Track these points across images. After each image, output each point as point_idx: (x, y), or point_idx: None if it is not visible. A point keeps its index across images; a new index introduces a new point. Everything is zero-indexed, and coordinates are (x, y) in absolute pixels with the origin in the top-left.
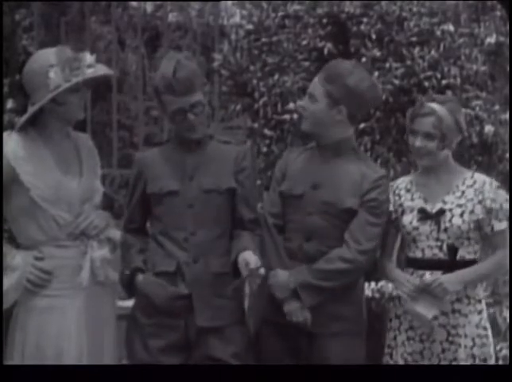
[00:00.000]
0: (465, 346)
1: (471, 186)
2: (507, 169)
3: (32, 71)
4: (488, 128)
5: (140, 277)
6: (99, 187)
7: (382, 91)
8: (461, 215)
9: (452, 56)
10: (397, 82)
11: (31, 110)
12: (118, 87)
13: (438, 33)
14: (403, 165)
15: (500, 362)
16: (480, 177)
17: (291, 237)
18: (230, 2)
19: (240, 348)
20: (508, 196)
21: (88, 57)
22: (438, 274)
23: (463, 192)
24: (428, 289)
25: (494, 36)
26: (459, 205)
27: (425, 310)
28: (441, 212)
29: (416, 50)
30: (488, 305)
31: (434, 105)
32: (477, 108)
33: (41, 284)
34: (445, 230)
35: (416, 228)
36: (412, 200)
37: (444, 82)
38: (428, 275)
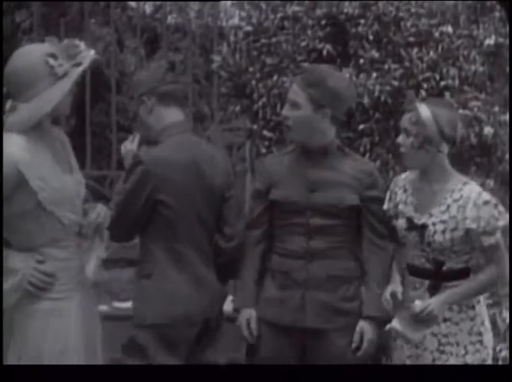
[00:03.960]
0: (457, 355)
1: (457, 201)
2: (507, 170)
3: (29, 64)
4: (487, 129)
5: None
6: (83, 179)
7: (381, 92)
8: (443, 232)
9: (451, 57)
10: (395, 83)
11: (50, 103)
12: (117, 89)
13: (436, 34)
14: (402, 166)
15: (500, 363)
16: (467, 190)
17: (292, 239)
18: (229, 4)
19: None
20: (500, 209)
21: (79, 42)
22: (426, 289)
23: (448, 206)
24: (418, 317)
25: (493, 37)
26: (443, 221)
27: (413, 334)
28: (425, 225)
29: (415, 51)
30: (488, 306)
31: (419, 103)
32: (476, 109)
33: (44, 287)
34: (429, 244)
35: (404, 236)
36: (405, 204)
37: (442, 83)
38: (417, 302)
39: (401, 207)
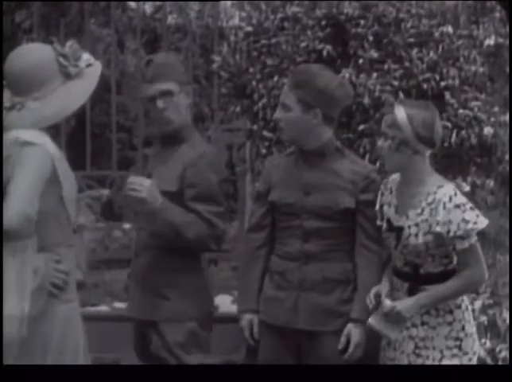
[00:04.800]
0: (433, 359)
1: (430, 204)
2: (507, 170)
3: (41, 62)
4: (487, 130)
5: None
6: None
7: (381, 92)
8: (416, 235)
9: (451, 57)
10: (395, 83)
11: (76, 102)
12: (117, 89)
13: (437, 34)
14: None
15: (500, 363)
16: (440, 194)
17: (288, 242)
18: (229, 4)
19: (171, 344)
20: (476, 213)
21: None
22: (402, 296)
23: (422, 209)
24: (388, 317)
25: (493, 37)
26: (416, 224)
27: (388, 331)
28: (401, 228)
29: (415, 51)
30: (488, 306)
31: (397, 105)
32: (476, 109)
33: (64, 288)
34: (405, 246)
35: (387, 237)
36: (389, 205)
37: (442, 83)
38: (387, 302)
39: (385, 208)
